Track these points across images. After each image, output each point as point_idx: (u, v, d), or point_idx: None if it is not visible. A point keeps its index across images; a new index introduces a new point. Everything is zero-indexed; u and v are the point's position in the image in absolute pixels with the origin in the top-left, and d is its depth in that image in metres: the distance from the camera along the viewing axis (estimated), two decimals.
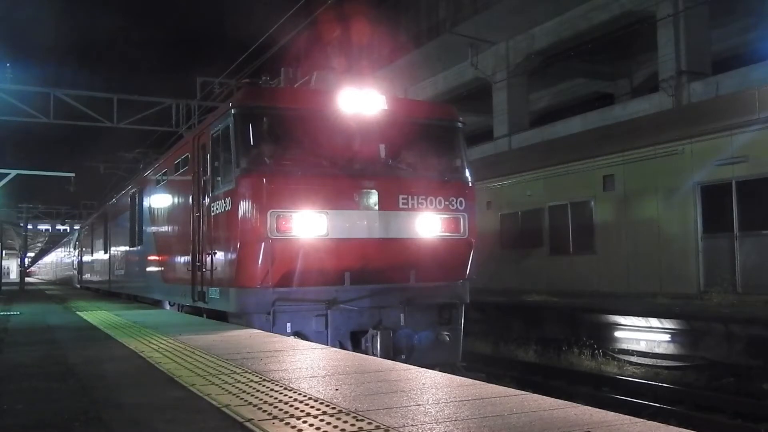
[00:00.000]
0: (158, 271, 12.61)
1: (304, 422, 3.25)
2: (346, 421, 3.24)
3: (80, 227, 33.90)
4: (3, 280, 33.16)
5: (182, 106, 19.94)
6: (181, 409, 3.70)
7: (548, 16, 21.85)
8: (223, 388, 4.16)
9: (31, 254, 74.09)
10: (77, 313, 11.78)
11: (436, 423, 3.17)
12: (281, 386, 4.19)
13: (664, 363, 11.69)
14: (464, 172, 9.31)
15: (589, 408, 3.46)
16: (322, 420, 3.28)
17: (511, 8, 21.24)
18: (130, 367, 5.30)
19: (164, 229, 12.14)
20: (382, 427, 3.12)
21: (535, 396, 3.84)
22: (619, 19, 19.96)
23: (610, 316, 12.98)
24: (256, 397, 3.85)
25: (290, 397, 3.84)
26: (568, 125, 20.99)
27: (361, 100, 8.61)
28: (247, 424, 3.26)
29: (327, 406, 3.60)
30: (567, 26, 21.66)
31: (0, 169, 20.95)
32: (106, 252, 20.09)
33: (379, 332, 8.11)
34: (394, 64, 26.02)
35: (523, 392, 4.00)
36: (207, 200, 9.13)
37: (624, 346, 12.64)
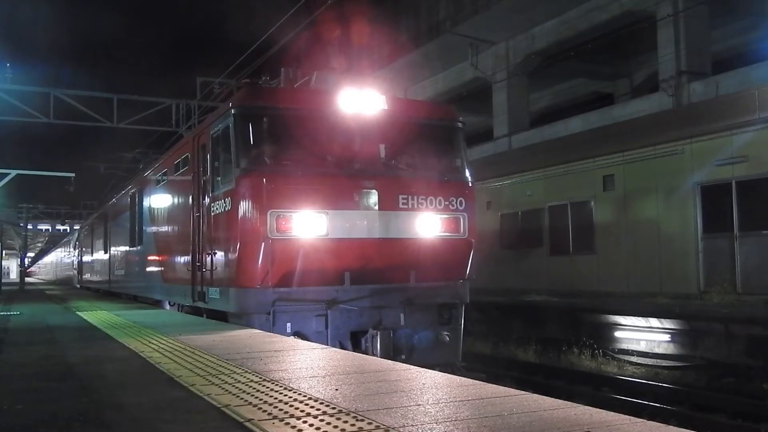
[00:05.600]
0: (158, 271, 12.61)
1: (304, 422, 3.25)
2: (346, 421, 3.24)
3: (80, 227, 33.89)
4: (3, 280, 33.13)
5: (182, 106, 19.94)
6: (181, 409, 3.69)
7: (548, 16, 21.85)
8: (223, 388, 4.16)
9: (31, 254, 74.07)
10: (77, 313, 11.78)
11: (436, 423, 3.17)
12: (281, 386, 4.19)
13: (664, 363, 11.70)
14: (464, 172, 9.31)
15: (589, 408, 3.46)
16: (322, 420, 3.28)
17: (511, 8, 21.25)
18: (130, 367, 5.30)
19: (164, 229, 12.14)
20: (382, 427, 3.12)
21: (535, 396, 3.84)
22: (619, 19, 19.95)
23: (610, 316, 12.98)
24: (256, 397, 3.85)
25: (290, 397, 3.84)
26: (568, 125, 20.99)
27: (361, 100, 8.60)
28: (247, 424, 3.26)
29: (327, 406, 3.60)
30: (567, 26, 21.66)
31: (0, 169, 20.95)
32: (106, 252, 20.09)
33: (379, 332, 8.11)
34: (394, 64, 26.02)
35: (523, 392, 4.00)
36: (207, 200, 9.13)
37: (624, 346, 12.65)
